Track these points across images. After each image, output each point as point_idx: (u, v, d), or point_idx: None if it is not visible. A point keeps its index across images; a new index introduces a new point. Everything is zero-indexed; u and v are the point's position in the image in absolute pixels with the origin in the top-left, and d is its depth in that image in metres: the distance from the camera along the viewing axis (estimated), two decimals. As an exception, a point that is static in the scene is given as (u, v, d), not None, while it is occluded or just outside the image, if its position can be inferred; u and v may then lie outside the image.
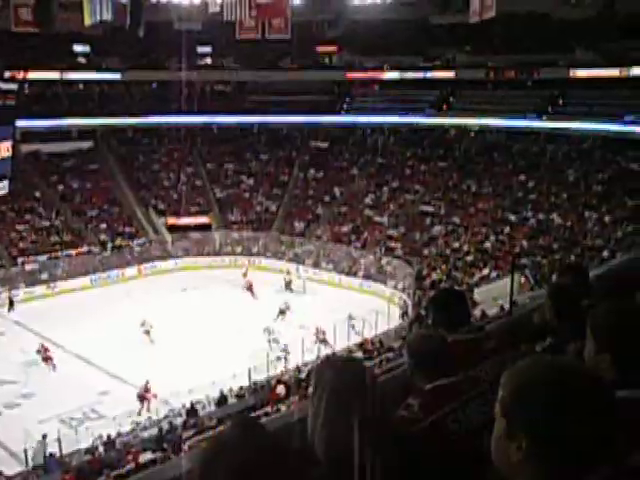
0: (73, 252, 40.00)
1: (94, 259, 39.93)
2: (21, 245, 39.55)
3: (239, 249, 43.17)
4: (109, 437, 20.11)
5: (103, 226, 42.78)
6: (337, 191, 45.37)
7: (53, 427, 20.80)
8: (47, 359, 26.62)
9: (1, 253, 38.63)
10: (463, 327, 3.62)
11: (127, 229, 43.27)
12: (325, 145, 49.10)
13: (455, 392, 2.72)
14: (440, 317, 3.71)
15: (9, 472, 18.26)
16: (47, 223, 41.78)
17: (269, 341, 27.88)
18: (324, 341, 27.62)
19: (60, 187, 44.58)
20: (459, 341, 3.34)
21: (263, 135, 50.94)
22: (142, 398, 23.11)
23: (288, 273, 37.58)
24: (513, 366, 1.56)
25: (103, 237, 41.87)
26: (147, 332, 29.34)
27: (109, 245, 41.44)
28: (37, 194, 43.17)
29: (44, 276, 37.65)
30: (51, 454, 19.26)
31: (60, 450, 19.43)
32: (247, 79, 49.94)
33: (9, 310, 33.61)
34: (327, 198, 45.19)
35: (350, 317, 28.88)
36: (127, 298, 34.18)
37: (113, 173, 46.76)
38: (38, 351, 26.84)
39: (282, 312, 31.79)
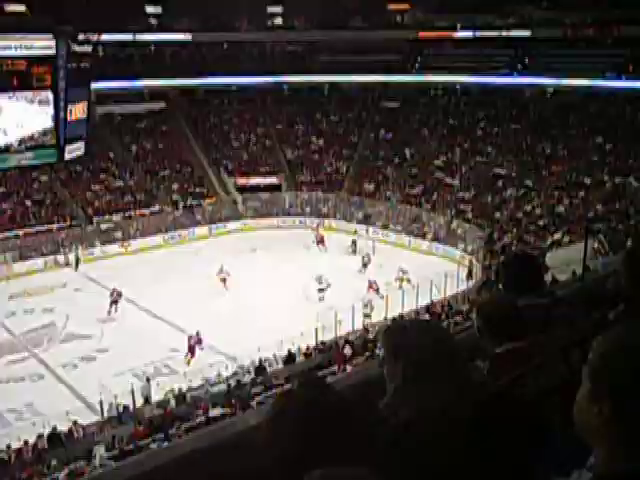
0: (146, 211, 40.85)
1: (166, 218, 40.70)
2: (96, 204, 40.55)
3: (308, 210, 43.27)
4: (180, 391, 20.61)
5: (175, 186, 43.45)
6: (407, 152, 44.86)
7: (127, 381, 21.42)
8: (114, 302, 28.14)
9: (77, 212, 39.70)
10: (534, 292, 3.50)
11: (198, 189, 43.85)
12: (396, 105, 48.45)
13: (525, 357, 2.64)
14: (511, 281, 3.60)
15: (84, 422, 18.92)
16: (121, 183, 42.70)
17: (319, 290, 28.71)
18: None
19: (134, 148, 45.41)
20: (530, 305, 3.23)
21: (333, 95, 50.59)
22: (191, 349, 23.97)
23: (355, 233, 37.54)
24: (606, 332, 1.53)
25: (175, 197, 42.57)
26: (224, 280, 30.45)
27: (180, 205, 42.14)
28: (111, 155, 44.07)
29: (118, 235, 38.61)
30: (125, 406, 19.87)
31: (133, 403, 20.03)
32: (317, 39, 49.47)
33: (76, 269, 34.59)
34: (397, 159, 44.76)
35: (402, 271, 29.40)
36: (197, 257, 34.74)
37: (185, 134, 47.27)
38: (111, 294, 28.24)
39: (365, 265, 32.88)
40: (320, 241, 36.44)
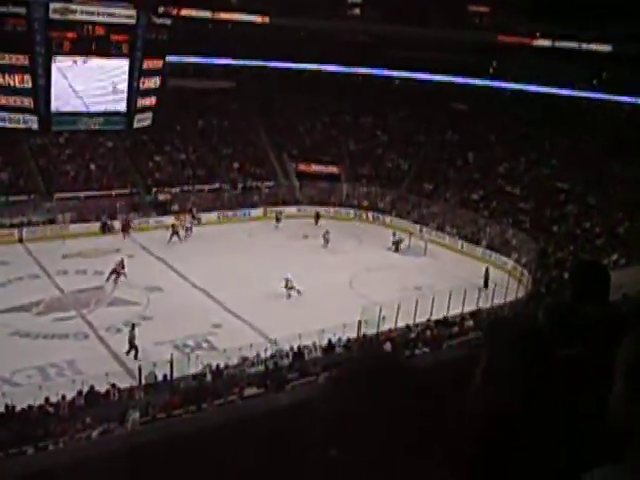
0: (205, 187, 41.30)
1: (223, 196, 41.09)
2: (157, 175, 41.15)
3: (365, 203, 43.19)
4: (217, 367, 20.84)
5: (236, 165, 43.84)
6: (471, 156, 44.39)
7: (167, 351, 21.76)
8: (115, 273, 28.35)
9: (138, 181, 40.35)
10: (601, 303, 3.43)
11: (258, 170, 44.15)
12: (466, 107, 47.90)
13: (584, 364, 2.61)
14: (579, 288, 3.53)
15: (122, 385, 19.30)
16: (183, 156, 43.24)
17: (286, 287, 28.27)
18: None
19: (200, 123, 45.91)
20: (595, 313, 3.17)
21: (404, 91, 50.25)
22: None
23: (394, 235, 37.13)
24: None
25: (234, 176, 42.94)
26: (290, 288, 29.24)
27: (239, 184, 42.48)
28: (177, 128, 44.62)
29: (175, 207, 39.11)
30: (164, 376, 20.19)
31: (171, 373, 20.35)
32: (394, 32, 49.13)
33: (124, 236, 35.28)
34: (460, 162, 44.34)
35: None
36: (249, 238, 35.01)
37: (251, 115, 47.56)
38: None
39: (396, 244, 34.58)
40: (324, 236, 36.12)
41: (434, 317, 25.17)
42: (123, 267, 28.40)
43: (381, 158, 46.60)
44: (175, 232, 34.63)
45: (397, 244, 36.10)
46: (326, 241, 34.91)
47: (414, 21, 47.41)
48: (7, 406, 17.51)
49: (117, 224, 36.04)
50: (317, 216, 40.06)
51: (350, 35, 50.72)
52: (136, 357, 21.91)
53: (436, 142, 46.66)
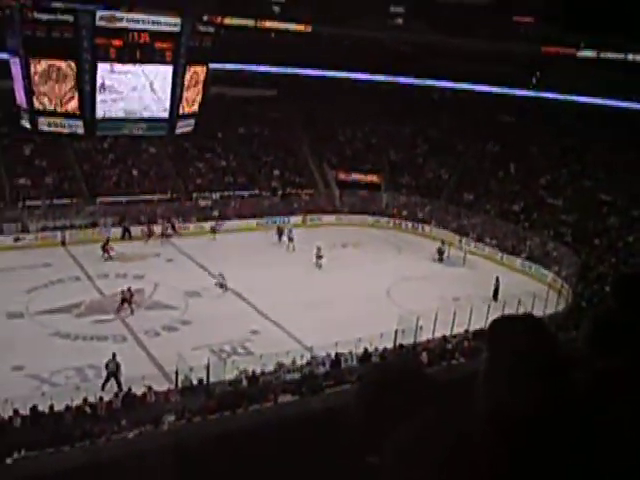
0: (245, 194, 41.57)
1: (263, 203, 41.30)
2: (198, 181, 41.56)
3: (405, 212, 43.04)
4: (254, 373, 20.90)
5: (276, 173, 44.07)
6: (512, 167, 43.99)
7: (204, 355, 21.88)
8: (125, 301, 26.53)
9: (179, 187, 40.77)
10: None
11: (298, 179, 44.31)
12: (509, 119, 47.51)
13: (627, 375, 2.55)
14: (623, 302, 3.45)
15: (158, 388, 19.45)
16: (224, 163, 43.61)
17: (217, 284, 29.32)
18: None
19: (241, 130, 46.25)
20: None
21: (445, 101, 50.06)
22: (124, 301, 26.28)
23: (443, 243, 37.00)
24: None
25: (274, 183, 43.16)
26: (319, 257, 31.89)
27: (279, 192, 42.68)
28: (219, 135, 45.00)
29: (215, 213, 39.43)
30: (200, 380, 20.31)
31: (207, 378, 20.46)
32: (437, 43, 48.94)
33: (162, 242, 35.60)
34: (501, 173, 43.96)
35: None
36: (288, 245, 35.16)
37: (292, 123, 47.76)
38: (122, 291, 26.70)
39: (440, 253, 35.08)
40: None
41: (472, 328, 24.92)
42: (132, 295, 26.73)
43: (421, 168, 46.44)
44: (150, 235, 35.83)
45: (441, 254, 35.89)
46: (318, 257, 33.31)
47: (457, 31, 47.18)
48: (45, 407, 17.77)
49: (158, 229, 36.48)
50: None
51: (392, 44, 50.65)
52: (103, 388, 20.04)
53: (477, 152, 46.35)
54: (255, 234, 37.91)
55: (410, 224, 41.95)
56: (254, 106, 47.55)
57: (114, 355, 20.44)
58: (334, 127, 48.40)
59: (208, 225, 37.63)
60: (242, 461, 2.26)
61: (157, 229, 36.43)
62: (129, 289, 26.61)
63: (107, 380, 20.03)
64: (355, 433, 1.53)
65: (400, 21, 51.59)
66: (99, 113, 22.22)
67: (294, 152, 46.33)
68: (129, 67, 24.06)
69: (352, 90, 49.47)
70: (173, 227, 36.90)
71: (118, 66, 23.28)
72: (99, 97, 22.89)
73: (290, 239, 35.46)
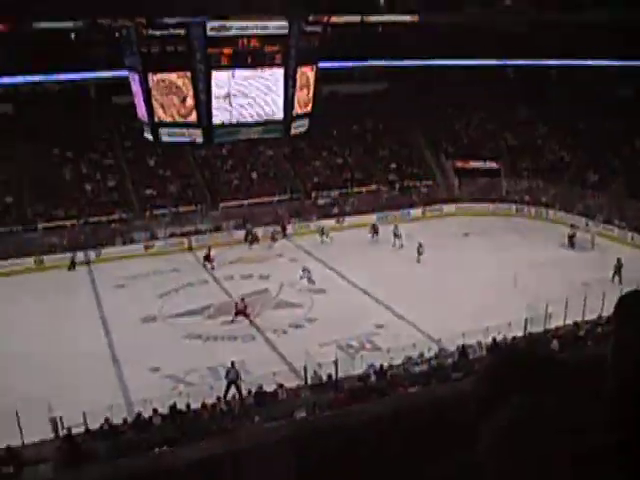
0: (363, 189, 41.67)
1: (381, 197, 41.25)
2: (316, 180, 42.00)
3: (527, 197, 41.88)
4: (381, 367, 20.90)
5: (392, 166, 43.91)
6: (638, 143, 41.92)
7: (331, 351, 22.10)
8: (239, 313, 26.20)
9: (298, 187, 41.36)
10: None
11: (415, 170, 43.98)
12: (630, 92, 45.28)
13: None
14: None
15: (288, 385, 19.79)
16: (341, 160, 43.86)
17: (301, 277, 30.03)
18: None
19: (355, 127, 46.37)
20: None
21: (560, 79, 48.27)
22: (238, 313, 25.97)
23: (572, 227, 35.71)
24: None
25: (391, 177, 43.02)
26: (420, 253, 31.47)
27: (397, 185, 42.51)
28: (334, 132, 45.30)
29: (334, 210, 39.75)
30: (329, 375, 20.50)
31: (336, 373, 20.62)
32: (548, 20, 47.25)
33: (270, 245, 36.04)
34: (626, 150, 41.99)
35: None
36: (408, 238, 34.90)
37: (406, 115, 47.40)
38: (236, 303, 26.57)
39: (571, 238, 34.12)
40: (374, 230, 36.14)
41: (605, 313, 23.93)
42: (245, 306, 26.41)
43: (541, 150, 45.05)
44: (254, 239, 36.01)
45: (572, 238, 34.67)
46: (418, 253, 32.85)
47: (568, 6, 45.34)
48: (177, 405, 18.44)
49: (278, 229, 37.22)
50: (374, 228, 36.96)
51: (502, 26, 49.30)
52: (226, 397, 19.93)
53: (599, 130, 44.40)
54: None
55: (533, 209, 40.79)
56: (367, 101, 47.52)
57: (233, 363, 20.50)
58: (448, 116, 47.69)
59: (326, 223, 37.90)
60: (375, 450, 2.28)
61: (276, 231, 37.19)
62: (242, 300, 26.46)
63: (228, 389, 20.03)
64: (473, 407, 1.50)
65: (508, 1, 50.15)
66: (217, 120, 22.89)
67: (409, 144, 46.02)
68: (242, 73, 24.60)
69: (464, 77, 48.52)
70: (284, 229, 37.41)
71: (230, 73, 23.86)
72: (219, 104, 23.54)
73: (397, 235, 34.70)
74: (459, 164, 44.26)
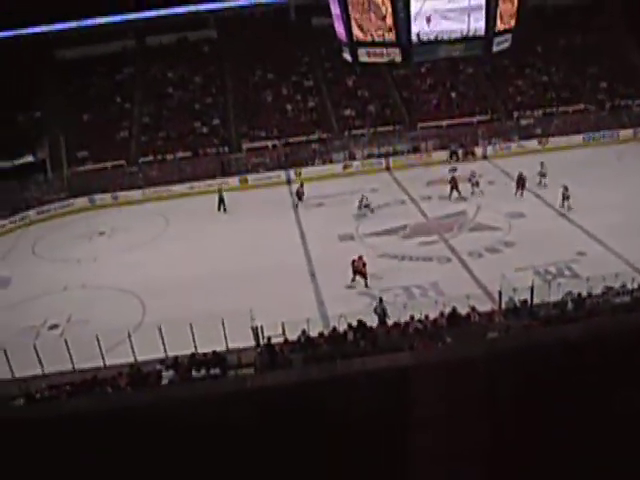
0: (569, 109, 39.46)
1: (589, 118, 38.86)
2: (518, 99, 40.33)
3: None
4: (579, 296, 20.11)
5: (603, 85, 41.05)
6: None
7: (528, 277, 21.53)
8: (357, 272, 23.25)
9: (498, 107, 39.95)
10: None
11: (628, 89, 40.85)
12: None
13: None
14: None
15: (481, 309, 19.61)
16: (545, 78, 41.68)
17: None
18: None
19: (562, 42, 43.66)
20: None
21: None
22: (356, 271, 22.99)
23: None
24: None
25: (601, 96, 40.29)
26: (566, 197, 28.20)
27: (607, 105, 39.81)
28: (538, 49, 42.99)
29: (537, 131, 38.11)
30: (525, 300, 20.05)
31: (531, 299, 20.10)
32: None
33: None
34: None
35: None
36: (617, 162, 32.81)
37: (620, 29, 43.90)
38: (353, 261, 23.31)
39: None
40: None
41: None
42: (364, 264, 23.21)
43: None
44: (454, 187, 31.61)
45: None
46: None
47: None
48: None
49: (479, 150, 36.43)
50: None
51: None
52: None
53: None
54: (579, 151, 36.00)
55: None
56: (577, 14, 44.41)
57: (380, 299, 20.15)
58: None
59: (531, 143, 36.46)
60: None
61: (477, 151, 36.39)
62: (360, 257, 23.41)
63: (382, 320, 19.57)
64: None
65: None
66: (414, 38, 22.53)
67: (622, 60, 42.62)
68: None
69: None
70: (468, 152, 36.40)
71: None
72: (418, 21, 23.14)
73: (476, 184, 31.42)
74: (679, 81, 40.52)
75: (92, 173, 36.36)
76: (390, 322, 19.15)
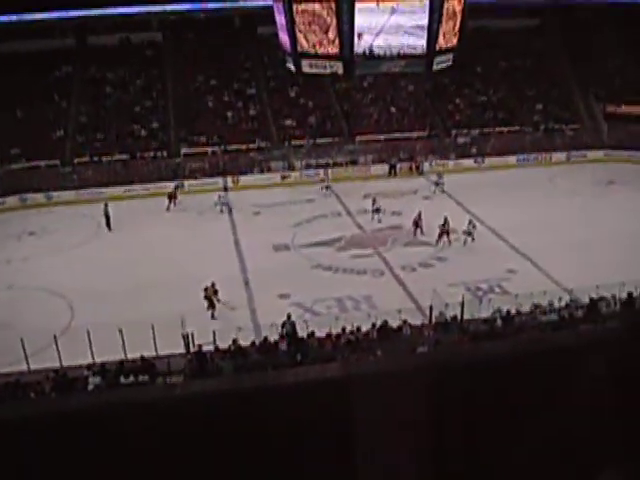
0: (504, 129, 40.35)
1: (524, 139, 39.80)
2: (457, 117, 41.04)
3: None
4: (509, 313, 20.48)
5: (539, 107, 42.11)
6: None
7: (459, 292, 21.84)
8: (208, 299, 21.47)
9: (437, 124, 40.58)
10: None
11: (562, 113, 42.02)
12: None
13: None
14: None
15: (413, 322, 19.80)
16: (484, 98, 42.53)
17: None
18: None
19: (502, 64, 44.65)
20: None
21: None
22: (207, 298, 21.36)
23: None
24: None
25: (536, 118, 41.34)
26: (377, 211, 29.79)
27: (542, 127, 40.86)
28: (478, 69, 43.85)
29: (473, 150, 38.83)
30: (455, 316, 20.33)
31: (461, 314, 20.41)
32: None
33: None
34: None
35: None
36: (549, 183, 33.72)
37: (557, 54, 45.18)
38: (206, 289, 21.52)
39: None
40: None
41: None
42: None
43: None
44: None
45: None
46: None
47: None
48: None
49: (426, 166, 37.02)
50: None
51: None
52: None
53: None
54: (514, 171, 36.83)
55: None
56: (516, 37, 45.50)
57: (289, 315, 19.46)
58: (602, 57, 44.85)
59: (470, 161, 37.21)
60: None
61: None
62: (213, 284, 21.47)
63: (283, 338, 18.66)
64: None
65: None
66: (357, 52, 22.70)
67: (558, 84, 43.84)
68: (386, 3, 24.19)
69: (621, 15, 45.38)
70: (413, 166, 37.25)
71: (374, 2, 23.50)
72: (361, 36, 23.32)
73: (438, 184, 33.41)
74: (610, 108, 41.86)
75: (24, 171, 35.46)
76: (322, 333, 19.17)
